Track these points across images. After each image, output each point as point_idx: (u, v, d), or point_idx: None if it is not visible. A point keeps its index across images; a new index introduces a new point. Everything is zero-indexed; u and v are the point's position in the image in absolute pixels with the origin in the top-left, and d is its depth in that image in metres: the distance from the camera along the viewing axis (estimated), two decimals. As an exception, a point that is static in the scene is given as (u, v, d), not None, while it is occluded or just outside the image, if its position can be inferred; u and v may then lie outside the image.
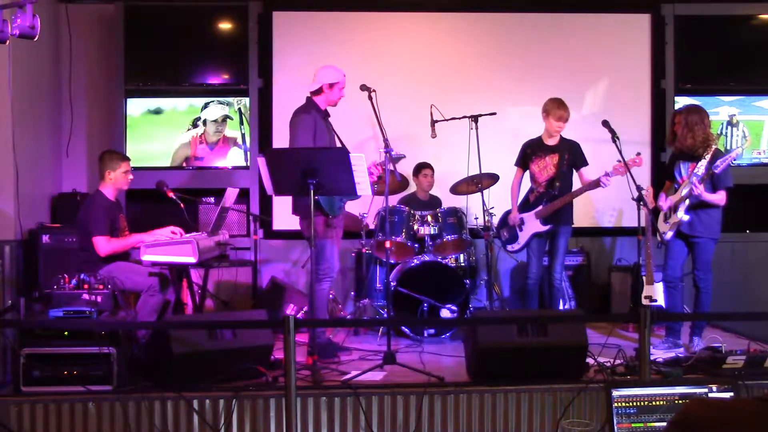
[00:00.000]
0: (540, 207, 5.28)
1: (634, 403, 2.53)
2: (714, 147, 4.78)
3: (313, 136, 4.61)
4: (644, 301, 4.88)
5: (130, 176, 4.93)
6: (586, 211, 6.45)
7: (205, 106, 6.66)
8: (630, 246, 6.40)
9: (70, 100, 6.51)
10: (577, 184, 5.33)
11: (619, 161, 4.88)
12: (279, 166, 4.23)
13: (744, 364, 3.99)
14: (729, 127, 6.87)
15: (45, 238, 5.62)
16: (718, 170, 4.65)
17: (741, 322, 5.39)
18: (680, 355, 4.54)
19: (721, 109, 6.85)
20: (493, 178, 5.72)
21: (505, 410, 3.79)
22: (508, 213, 5.56)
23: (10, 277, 5.31)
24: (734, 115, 6.87)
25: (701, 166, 4.72)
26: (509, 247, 5.57)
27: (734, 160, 4.89)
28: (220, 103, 6.66)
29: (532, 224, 5.33)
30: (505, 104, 6.50)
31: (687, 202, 4.74)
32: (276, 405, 3.69)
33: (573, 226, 5.36)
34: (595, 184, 5.07)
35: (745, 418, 1.55)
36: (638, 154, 4.95)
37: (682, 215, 4.76)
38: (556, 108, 5.16)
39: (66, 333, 3.82)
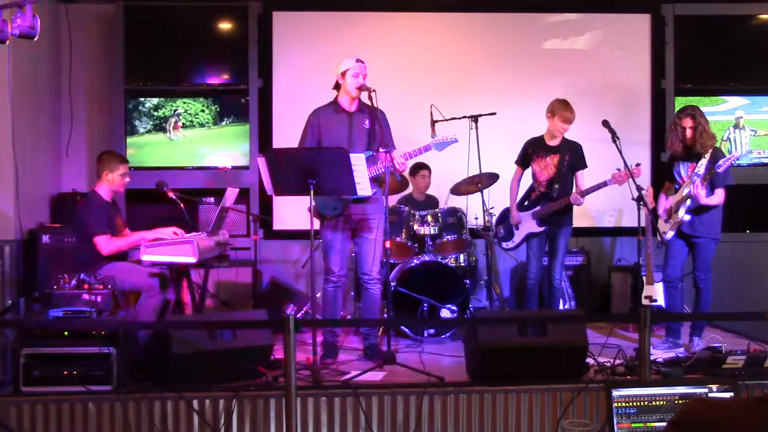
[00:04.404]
0: (538, 208, 5.29)
1: (634, 403, 2.53)
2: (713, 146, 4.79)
3: (318, 134, 4.61)
4: (644, 301, 4.89)
5: (127, 179, 4.92)
6: (586, 211, 6.45)
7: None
8: (630, 246, 6.40)
9: (70, 100, 6.51)
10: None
11: (619, 170, 4.89)
12: (279, 166, 4.22)
13: (744, 364, 3.99)
14: (736, 131, 6.87)
15: (45, 238, 5.61)
16: (720, 170, 4.62)
17: (741, 322, 5.39)
18: (680, 355, 4.54)
19: (718, 108, 6.85)
20: (493, 178, 5.72)
21: (505, 410, 3.79)
22: (507, 210, 5.58)
23: (10, 277, 5.30)
24: (741, 117, 6.86)
25: (701, 166, 4.71)
26: (504, 245, 5.62)
27: (737, 160, 4.88)
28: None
29: (528, 224, 5.35)
30: (505, 104, 6.48)
31: (688, 202, 4.74)
32: (276, 405, 3.69)
33: (573, 226, 5.37)
34: (594, 189, 5.11)
35: (745, 418, 1.55)
36: (638, 164, 4.94)
37: (683, 215, 4.76)
38: (563, 109, 5.15)
39: (66, 333, 3.82)
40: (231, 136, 6.71)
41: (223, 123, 6.71)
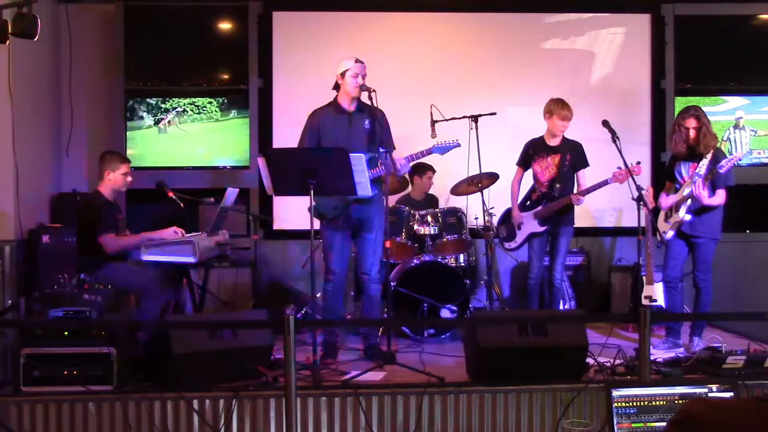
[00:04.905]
0: (539, 207, 5.29)
1: (634, 403, 2.53)
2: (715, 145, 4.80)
3: (317, 135, 4.61)
4: (644, 301, 4.89)
5: (129, 178, 4.93)
6: (586, 211, 6.45)
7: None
8: (630, 246, 6.40)
9: (70, 100, 6.50)
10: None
11: (620, 168, 4.89)
12: (279, 166, 4.22)
13: (744, 364, 3.99)
14: (736, 131, 6.87)
15: (45, 238, 5.60)
16: (723, 170, 4.61)
17: (741, 322, 5.39)
18: (680, 355, 4.54)
19: (718, 108, 6.85)
20: (493, 177, 5.72)
21: (505, 410, 3.79)
22: (509, 211, 5.58)
23: (10, 277, 5.30)
24: (741, 118, 6.86)
25: (703, 166, 4.71)
26: (506, 245, 5.62)
27: (739, 160, 4.88)
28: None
29: (530, 224, 5.35)
30: (505, 104, 6.50)
31: (689, 202, 4.74)
32: (276, 405, 3.69)
33: (573, 226, 5.37)
34: (595, 188, 5.11)
35: (745, 417, 1.55)
36: (638, 163, 4.93)
37: (683, 215, 4.76)
38: (559, 108, 5.15)
39: (66, 333, 3.82)
40: (237, 127, 6.70)
41: (231, 114, 6.70)
